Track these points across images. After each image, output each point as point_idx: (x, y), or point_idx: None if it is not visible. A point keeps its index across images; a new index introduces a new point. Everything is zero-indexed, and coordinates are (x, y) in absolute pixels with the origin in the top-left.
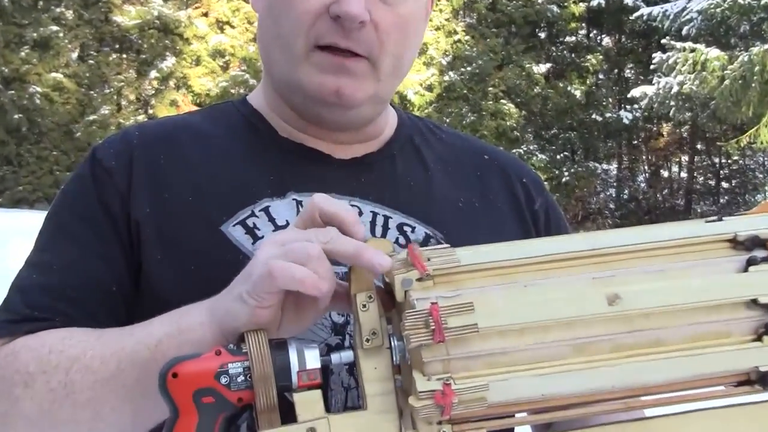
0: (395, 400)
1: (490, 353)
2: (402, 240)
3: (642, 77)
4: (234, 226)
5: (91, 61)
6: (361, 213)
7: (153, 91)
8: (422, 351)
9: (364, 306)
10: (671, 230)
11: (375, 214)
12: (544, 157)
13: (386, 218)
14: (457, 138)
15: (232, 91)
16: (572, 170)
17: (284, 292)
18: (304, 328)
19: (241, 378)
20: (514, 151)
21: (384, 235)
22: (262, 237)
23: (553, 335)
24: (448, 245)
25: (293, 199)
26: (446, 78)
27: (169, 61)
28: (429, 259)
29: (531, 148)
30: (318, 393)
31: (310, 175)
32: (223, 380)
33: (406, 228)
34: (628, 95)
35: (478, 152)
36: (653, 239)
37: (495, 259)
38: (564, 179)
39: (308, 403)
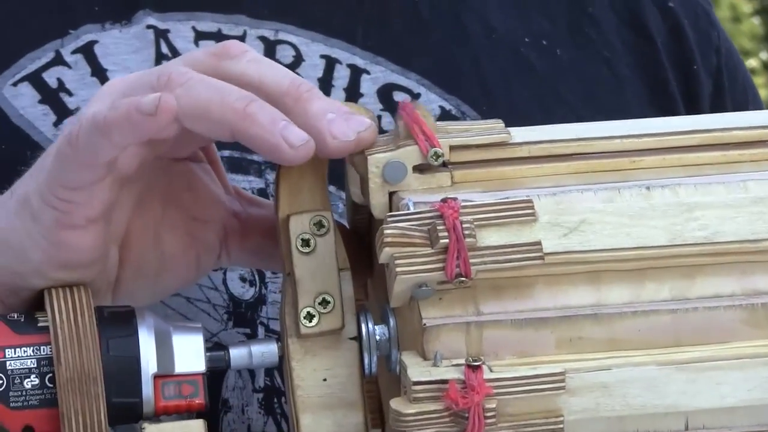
0: None
1: (569, 316)
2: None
3: None
4: (16, 84)
5: None
6: (299, 58)
7: None
8: (421, 303)
9: (306, 244)
10: None
11: (332, 63)
12: None
13: (356, 71)
14: None
15: None
16: None
17: (125, 181)
18: (178, 285)
19: (31, 382)
20: None
21: None
22: (77, 109)
23: (703, 284)
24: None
25: (149, 27)
26: None
27: None
28: (447, 130)
29: None
30: (199, 426)
31: None
32: None
33: (398, 94)
34: None
35: None
36: None
37: (584, 136)
38: None
39: None
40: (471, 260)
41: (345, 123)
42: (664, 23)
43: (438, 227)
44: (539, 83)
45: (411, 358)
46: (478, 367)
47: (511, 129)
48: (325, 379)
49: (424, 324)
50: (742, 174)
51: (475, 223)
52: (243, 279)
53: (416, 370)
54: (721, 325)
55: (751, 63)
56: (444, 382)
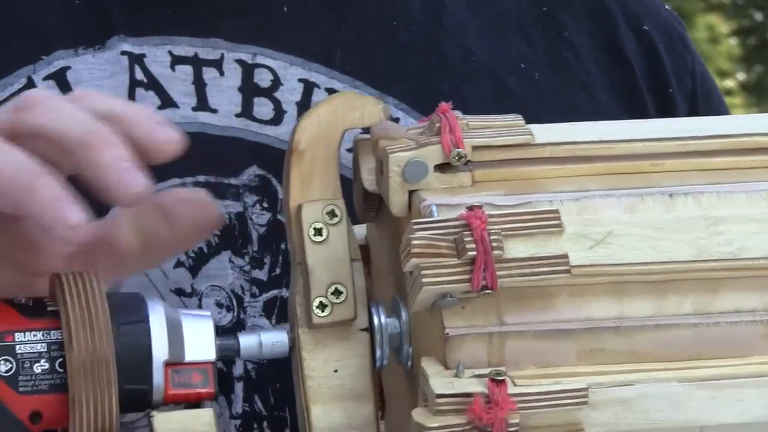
0: None
1: (591, 328)
2: None
3: None
4: None
5: None
6: (277, 82)
7: None
8: (444, 312)
9: (318, 233)
10: None
11: (311, 87)
12: None
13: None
14: None
15: None
16: None
17: None
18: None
19: (41, 366)
20: None
21: None
22: None
23: (725, 299)
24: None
25: (123, 53)
26: None
27: None
28: (469, 127)
29: None
30: (209, 415)
31: None
32: (3, 369)
33: None
34: None
35: None
36: None
37: (606, 138)
38: None
39: None
40: (498, 272)
41: (137, 173)
42: (639, 47)
43: (465, 238)
44: (517, 107)
45: (432, 367)
46: (502, 381)
47: (532, 126)
48: (336, 370)
49: (447, 333)
50: (764, 183)
51: (502, 233)
52: (219, 305)
53: (439, 381)
54: (741, 340)
55: (729, 84)
56: (468, 395)
